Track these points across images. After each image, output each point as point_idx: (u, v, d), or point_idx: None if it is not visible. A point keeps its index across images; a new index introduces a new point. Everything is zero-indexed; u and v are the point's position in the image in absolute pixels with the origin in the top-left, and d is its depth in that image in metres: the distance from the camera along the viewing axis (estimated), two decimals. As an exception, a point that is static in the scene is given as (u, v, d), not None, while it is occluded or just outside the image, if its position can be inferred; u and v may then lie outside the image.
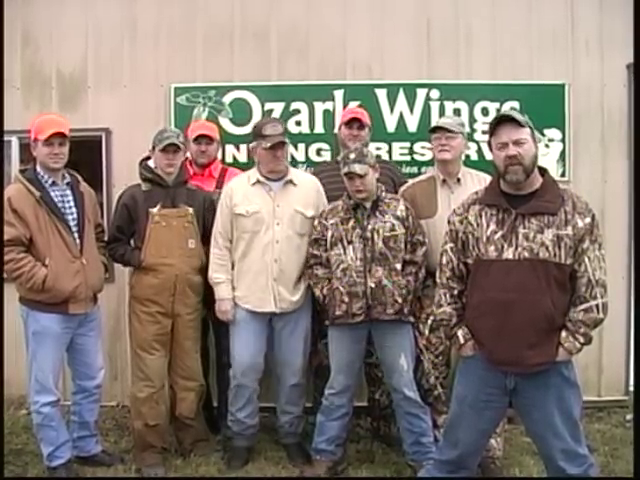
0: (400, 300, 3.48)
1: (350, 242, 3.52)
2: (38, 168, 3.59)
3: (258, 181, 3.75)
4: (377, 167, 3.59)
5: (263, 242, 3.67)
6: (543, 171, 2.82)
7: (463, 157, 3.95)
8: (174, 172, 3.83)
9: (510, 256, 2.70)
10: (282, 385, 3.87)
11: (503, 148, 2.74)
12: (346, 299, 3.49)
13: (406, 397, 3.57)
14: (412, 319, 3.62)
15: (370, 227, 3.51)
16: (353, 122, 4.08)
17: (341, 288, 3.51)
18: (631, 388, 4.64)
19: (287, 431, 3.93)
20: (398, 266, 3.52)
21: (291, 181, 3.77)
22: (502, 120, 2.78)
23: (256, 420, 3.91)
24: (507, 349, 2.72)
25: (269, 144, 3.65)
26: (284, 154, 3.76)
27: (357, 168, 3.47)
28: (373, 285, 3.47)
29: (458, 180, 3.79)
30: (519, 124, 2.73)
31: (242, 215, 3.69)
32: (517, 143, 2.71)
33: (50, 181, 3.58)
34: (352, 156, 3.51)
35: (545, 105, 4.57)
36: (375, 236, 3.50)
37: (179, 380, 3.94)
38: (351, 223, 3.54)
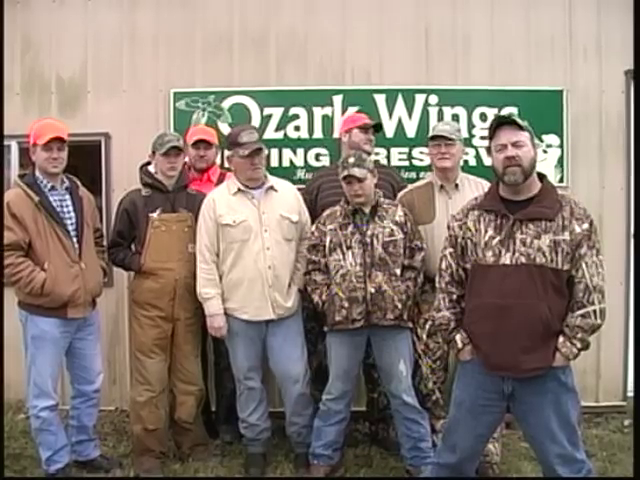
0: (400, 305, 3.48)
1: (349, 247, 3.51)
2: (37, 173, 3.60)
3: (239, 190, 3.71)
4: (375, 173, 3.60)
5: (254, 250, 3.63)
6: (542, 177, 2.84)
7: (461, 163, 3.96)
8: (176, 175, 3.84)
9: (507, 261, 2.71)
10: (286, 396, 3.84)
11: (502, 150, 2.75)
12: (346, 304, 3.48)
13: (405, 403, 3.57)
14: (411, 324, 3.62)
15: (369, 232, 3.51)
16: (367, 127, 4.11)
17: (341, 294, 3.50)
18: (629, 394, 4.64)
19: (296, 441, 3.90)
20: (398, 271, 3.52)
21: (272, 187, 3.75)
22: (501, 123, 2.79)
23: (269, 423, 3.89)
24: (503, 354, 2.72)
25: (246, 152, 3.62)
26: (261, 161, 3.72)
27: (356, 172, 3.47)
28: (373, 290, 3.46)
29: (456, 186, 3.80)
30: (518, 127, 2.75)
31: (229, 225, 3.64)
32: (516, 145, 2.73)
33: (49, 186, 3.59)
34: (351, 160, 3.51)
35: (543, 111, 4.58)
36: (375, 241, 3.50)
37: (179, 384, 3.95)
38: (350, 228, 3.54)
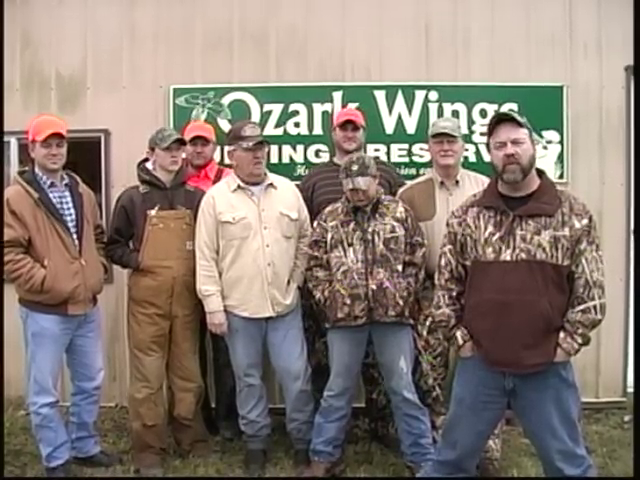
0: (401, 302, 3.47)
1: (351, 244, 3.51)
2: (36, 169, 3.59)
3: (239, 187, 3.70)
4: (378, 175, 3.57)
5: (253, 247, 3.63)
6: (541, 173, 2.84)
7: (461, 159, 3.95)
8: (177, 169, 3.84)
9: (508, 258, 2.71)
10: (286, 392, 3.85)
11: (501, 147, 2.75)
12: (348, 301, 3.47)
13: (405, 399, 3.57)
14: (412, 321, 3.62)
15: (371, 229, 3.50)
16: (347, 124, 4.09)
17: (342, 290, 3.49)
18: (629, 389, 4.65)
19: (296, 437, 3.90)
20: (399, 268, 3.51)
21: (271, 184, 3.75)
22: (501, 120, 2.79)
23: (268, 419, 3.90)
24: (504, 349, 2.73)
25: (251, 144, 3.62)
26: (263, 156, 3.71)
27: (362, 184, 3.44)
28: (375, 287, 3.45)
29: (456, 182, 3.80)
30: (518, 124, 2.74)
31: (229, 222, 3.64)
32: (515, 142, 2.73)
33: (49, 182, 3.58)
34: (355, 168, 3.46)
35: (543, 107, 4.57)
36: (376, 238, 3.49)
37: (177, 381, 3.95)
38: (352, 225, 3.53)
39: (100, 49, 4.74)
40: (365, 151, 4.32)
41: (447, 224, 2.99)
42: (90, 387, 3.81)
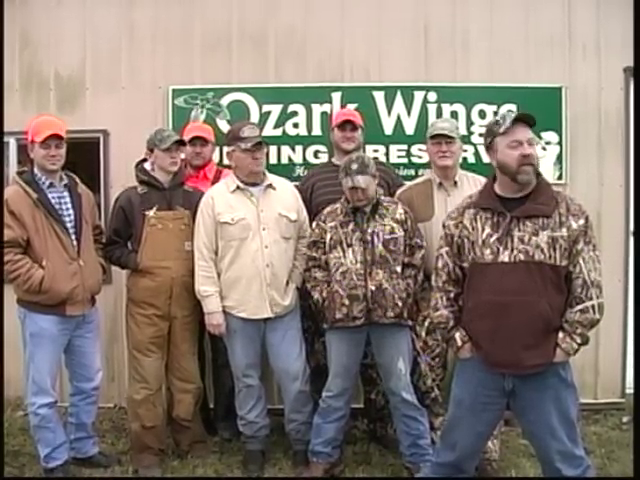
0: (400, 303, 3.47)
1: (350, 245, 3.50)
2: (35, 170, 3.60)
3: (238, 188, 3.70)
4: (377, 174, 3.58)
5: (252, 248, 3.63)
6: (537, 174, 2.83)
7: (460, 160, 3.95)
8: (176, 170, 3.84)
9: (506, 259, 2.71)
10: (285, 393, 3.84)
11: (518, 147, 2.73)
12: (346, 302, 3.47)
13: (404, 400, 3.56)
14: (410, 322, 3.61)
15: (370, 230, 3.50)
16: (346, 124, 4.09)
17: (341, 291, 3.48)
18: (628, 390, 4.65)
19: (295, 438, 3.89)
20: (398, 269, 3.51)
21: (270, 185, 3.75)
22: (518, 119, 2.77)
23: (267, 420, 3.90)
24: (503, 351, 2.72)
25: (249, 144, 3.62)
26: (262, 156, 3.71)
27: (361, 182, 3.43)
28: (374, 288, 3.44)
29: (455, 183, 3.79)
30: (529, 126, 2.75)
31: (227, 223, 3.64)
32: (529, 143, 2.73)
33: (47, 183, 3.58)
34: (354, 167, 3.46)
35: (542, 108, 4.55)
36: (375, 239, 3.48)
37: (176, 382, 3.94)
38: (351, 226, 3.53)
39: (99, 50, 4.74)
40: (364, 152, 4.31)
41: (443, 226, 2.98)
42: (88, 388, 3.81)
